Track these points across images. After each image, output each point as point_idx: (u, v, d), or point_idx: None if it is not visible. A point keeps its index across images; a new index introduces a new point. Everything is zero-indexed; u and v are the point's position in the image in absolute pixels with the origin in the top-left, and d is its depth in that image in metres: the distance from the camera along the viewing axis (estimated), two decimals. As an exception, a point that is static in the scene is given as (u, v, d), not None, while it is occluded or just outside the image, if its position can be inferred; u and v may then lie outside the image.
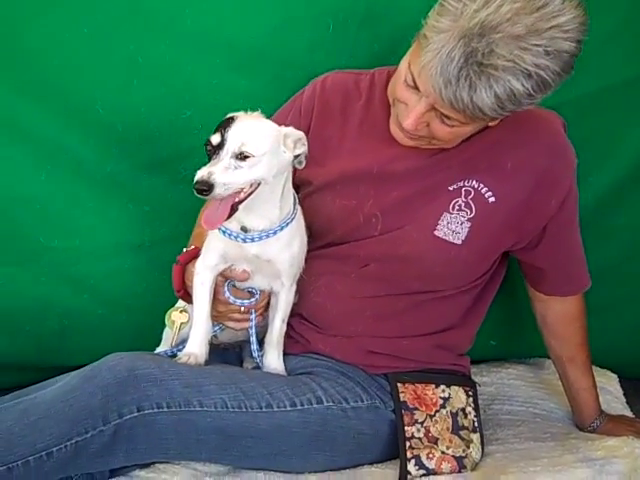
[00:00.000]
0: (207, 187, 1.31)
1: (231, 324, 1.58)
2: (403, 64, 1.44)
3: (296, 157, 1.45)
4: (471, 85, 1.31)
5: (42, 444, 1.36)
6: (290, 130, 1.44)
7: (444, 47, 1.30)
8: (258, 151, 1.36)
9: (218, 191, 1.32)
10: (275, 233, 1.46)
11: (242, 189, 1.37)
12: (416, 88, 1.39)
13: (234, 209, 1.38)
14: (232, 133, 1.35)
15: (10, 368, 1.94)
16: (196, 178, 1.32)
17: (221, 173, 1.33)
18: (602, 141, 1.82)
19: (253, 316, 1.55)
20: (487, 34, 1.28)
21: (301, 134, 1.45)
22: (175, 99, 1.78)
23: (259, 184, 1.39)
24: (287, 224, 1.47)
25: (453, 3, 1.31)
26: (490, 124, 1.48)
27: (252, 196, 1.39)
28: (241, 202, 1.38)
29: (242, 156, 1.35)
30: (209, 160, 1.36)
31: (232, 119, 1.38)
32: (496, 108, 1.34)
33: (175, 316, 1.63)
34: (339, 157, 1.60)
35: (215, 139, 1.36)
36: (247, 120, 1.40)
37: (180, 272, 1.59)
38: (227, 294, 1.53)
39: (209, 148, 1.37)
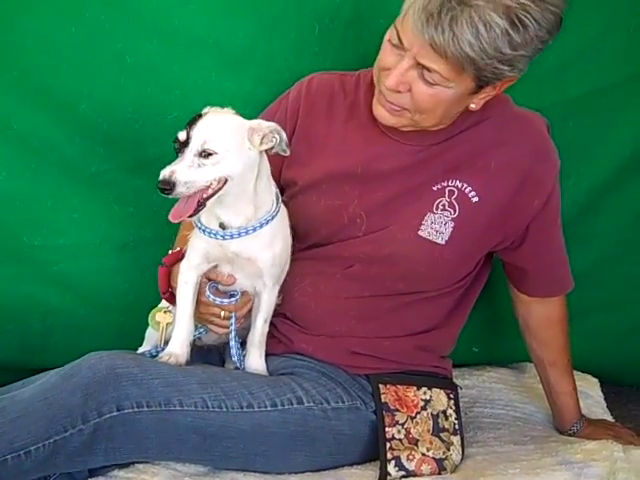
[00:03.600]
0: (169, 186, 1.33)
1: (212, 328, 1.58)
2: (388, 32, 1.43)
3: (270, 150, 1.42)
4: (452, 18, 1.31)
5: (20, 442, 1.35)
6: (257, 123, 1.42)
7: None
8: (221, 148, 1.36)
9: (180, 190, 1.34)
10: (254, 230, 1.46)
11: (209, 186, 1.37)
12: (401, 45, 1.39)
13: (201, 205, 1.38)
14: (196, 130, 1.36)
15: (-9, 367, 1.93)
16: (160, 177, 1.33)
17: (183, 171, 1.34)
18: (584, 145, 1.83)
19: (233, 321, 1.54)
20: None
21: (272, 126, 1.42)
22: (162, 99, 1.78)
23: (226, 181, 1.39)
24: (267, 222, 1.47)
25: None
26: (472, 106, 1.46)
27: (221, 192, 1.39)
28: (209, 198, 1.39)
29: (205, 154, 1.36)
30: (176, 157, 1.36)
31: (201, 116, 1.38)
32: (476, 48, 1.32)
33: (160, 317, 1.62)
34: (324, 157, 1.60)
35: (181, 136, 1.37)
36: (213, 116, 1.39)
37: (166, 274, 1.59)
38: (207, 293, 1.53)
39: (176, 145, 1.37)
